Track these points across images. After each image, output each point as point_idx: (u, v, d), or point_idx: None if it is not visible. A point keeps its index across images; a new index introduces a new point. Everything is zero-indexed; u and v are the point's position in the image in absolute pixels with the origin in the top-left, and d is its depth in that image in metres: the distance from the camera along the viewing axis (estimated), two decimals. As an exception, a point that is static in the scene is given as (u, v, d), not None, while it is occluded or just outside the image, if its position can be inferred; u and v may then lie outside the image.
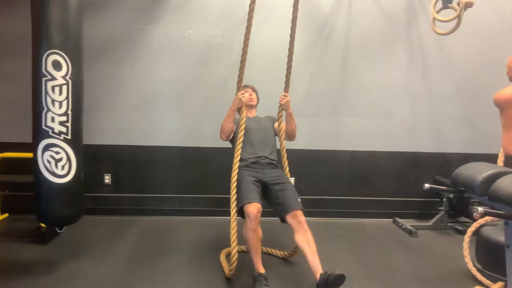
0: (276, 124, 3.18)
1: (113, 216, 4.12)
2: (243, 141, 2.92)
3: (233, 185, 2.77)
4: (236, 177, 2.80)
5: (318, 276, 2.43)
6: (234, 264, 2.67)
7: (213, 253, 3.20)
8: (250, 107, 3.20)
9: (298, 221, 2.67)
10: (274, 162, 3.03)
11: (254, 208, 2.61)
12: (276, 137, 3.21)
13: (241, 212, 2.71)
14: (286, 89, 3.01)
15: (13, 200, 3.98)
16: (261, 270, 2.62)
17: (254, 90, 3.26)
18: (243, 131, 2.88)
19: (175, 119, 4.18)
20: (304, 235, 2.63)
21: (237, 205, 2.71)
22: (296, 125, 3.05)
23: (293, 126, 3.03)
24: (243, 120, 2.91)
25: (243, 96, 2.90)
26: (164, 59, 4.12)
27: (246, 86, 3.15)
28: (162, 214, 4.20)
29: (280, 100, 2.99)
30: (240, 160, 2.92)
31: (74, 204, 2.79)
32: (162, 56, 4.11)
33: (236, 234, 2.70)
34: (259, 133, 3.09)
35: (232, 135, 3.07)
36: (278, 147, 3.21)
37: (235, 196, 2.74)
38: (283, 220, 2.77)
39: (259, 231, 2.63)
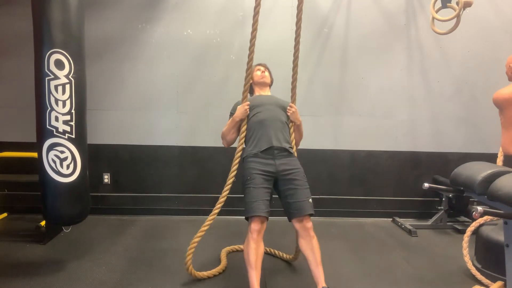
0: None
1: (112, 215, 4.12)
2: (252, 119, 2.68)
3: (230, 180, 2.66)
4: (235, 170, 2.64)
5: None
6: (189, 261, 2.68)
7: (212, 252, 3.20)
8: (263, 85, 2.91)
9: (305, 227, 2.51)
10: (287, 147, 2.67)
11: (258, 222, 2.46)
12: None
13: (246, 218, 2.56)
14: (293, 97, 2.77)
15: (12, 200, 3.98)
16: (256, 285, 2.37)
17: (267, 68, 2.98)
18: (245, 126, 2.70)
19: (174, 118, 4.18)
20: (309, 241, 2.49)
21: (244, 210, 2.55)
22: (302, 138, 2.90)
23: (297, 138, 2.85)
24: (244, 122, 2.72)
25: (245, 110, 2.68)
26: (163, 59, 4.11)
27: (259, 64, 2.96)
28: (162, 213, 4.20)
29: (287, 111, 2.75)
30: (248, 142, 2.68)
31: (80, 203, 2.79)
32: (161, 56, 4.11)
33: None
34: (274, 107, 2.75)
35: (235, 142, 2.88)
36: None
37: (227, 192, 2.68)
38: (290, 221, 2.61)
39: (261, 247, 2.47)
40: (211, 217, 2.72)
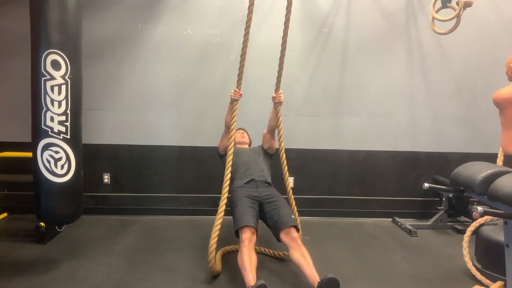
0: (265, 138, 3.41)
1: (112, 215, 4.12)
2: (237, 163, 3.18)
3: (221, 207, 2.89)
4: (225, 201, 2.93)
5: (316, 285, 2.44)
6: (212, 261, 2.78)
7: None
8: (243, 143, 3.48)
9: (292, 237, 2.71)
10: (267, 181, 3.18)
11: (248, 232, 2.68)
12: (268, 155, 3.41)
13: (237, 234, 2.77)
14: (277, 90, 3.20)
15: (12, 200, 3.98)
16: (252, 282, 2.46)
17: (245, 131, 3.61)
18: (231, 156, 3.02)
19: (174, 119, 4.18)
20: (298, 249, 2.66)
21: (234, 227, 2.80)
22: (279, 122, 3.30)
23: (274, 123, 3.28)
24: (231, 145, 3.06)
25: (234, 93, 3.09)
26: (163, 59, 4.11)
27: (240, 129, 3.53)
28: (161, 213, 4.20)
29: (279, 99, 3.18)
30: (234, 180, 3.13)
31: (73, 203, 2.79)
32: (161, 56, 4.11)
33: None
34: (252, 153, 3.36)
35: (228, 140, 3.21)
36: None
37: (221, 213, 2.88)
38: (279, 239, 2.81)
39: (253, 255, 2.62)
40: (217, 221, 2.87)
